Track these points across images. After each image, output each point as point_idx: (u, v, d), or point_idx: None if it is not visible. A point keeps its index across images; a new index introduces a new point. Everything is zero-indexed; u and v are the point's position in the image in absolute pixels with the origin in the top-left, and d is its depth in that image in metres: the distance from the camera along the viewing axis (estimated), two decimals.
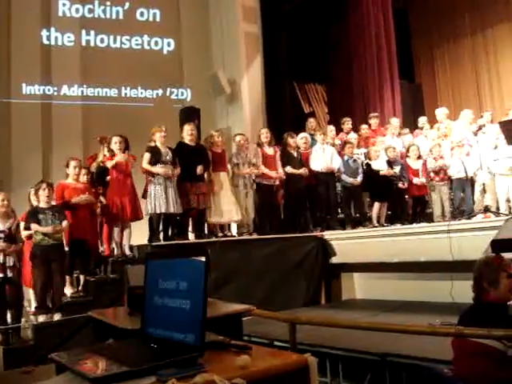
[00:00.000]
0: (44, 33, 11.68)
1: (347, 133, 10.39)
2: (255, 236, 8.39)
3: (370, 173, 9.10)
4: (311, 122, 10.35)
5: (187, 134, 8.12)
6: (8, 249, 6.49)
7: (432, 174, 8.98)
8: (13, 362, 5.34)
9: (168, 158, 7.68)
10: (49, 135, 11.19)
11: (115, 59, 12.09)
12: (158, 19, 12.86)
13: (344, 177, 9.10)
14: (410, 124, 11.52)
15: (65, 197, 6.99)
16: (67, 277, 6.95)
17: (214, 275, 6.75)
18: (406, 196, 9.39)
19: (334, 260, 8.27)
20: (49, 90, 11.58)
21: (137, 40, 12.60)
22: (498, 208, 8.40)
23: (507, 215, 7.47)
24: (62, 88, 11.69)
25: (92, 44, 12.17)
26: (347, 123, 10.55)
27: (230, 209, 8.28)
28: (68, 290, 6.95)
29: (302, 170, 8.90)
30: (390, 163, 9.14)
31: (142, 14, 12.69)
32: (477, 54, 13.86)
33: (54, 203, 6.77)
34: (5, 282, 6.35)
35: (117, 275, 6.78)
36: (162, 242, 7.57)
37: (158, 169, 7.56)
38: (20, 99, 11.23)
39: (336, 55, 14.79)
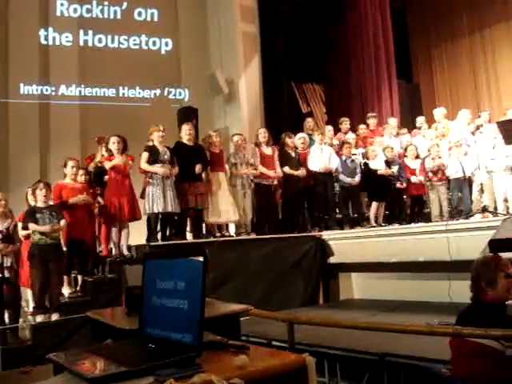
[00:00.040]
0: (42, 33, 11.68)
1: (345, 133, 10.40)
2: (253, 236, 8.39)
3: (367, 173, 9.11)
4: (309, 121, 10.34)
5: (185, 133, 8.12)
6: (6, 249, 6.50)
7: (430, 174, 8.99)
8: (11, 362, 5.34)
9: (166, 157, 7.68)
10: (47, 135, 11.19)
11: (113, 59, 12.09)
12: (155, 19, 12.86)
13: (342, 177, 9.10)
14: (408, 124, 11.53)
15: (62, 197, 6.98)
16: (65, 277, 6.94)
17: (212, 275, 6.75)
18: (404, 196, 9.40)
19: (332, 260, 8.27)
20: (47, 90, 11.58)
21: (135, 40, 12.60)
22: (495, 208, 8.41)
23: (505, 215, 7.48)
24: (60, 88, 11.69)
25: (90, 44, 12.18)
26: (345, 123, 10.55)
27: (227, 209, 8.28)
28: (66, 290, 6.94)
29: (300, 172, 8.89)
30: (388, 163, 9.15)
31: (139, 14, 12.70)
32: (475, 54, 13.87)
33: (51, 203, 6.76)
34: (2, 282, 6.34)
35: (115, 275, 6.78)
36: (160, 242, 7.56)
37: (157, 168, 7.56)
38: (18, 99, 11.23)
39: (334, 55, 14.80)
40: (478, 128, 9.47)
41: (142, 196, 7.75)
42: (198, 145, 8.43)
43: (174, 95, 12.84)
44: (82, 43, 12.06)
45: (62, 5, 11.90)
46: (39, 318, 6.22)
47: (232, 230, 8.73)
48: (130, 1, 12.56)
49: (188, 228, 8.33)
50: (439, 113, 10.42)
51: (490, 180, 8.64)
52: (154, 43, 12.80)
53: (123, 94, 12.35)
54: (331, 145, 9.63)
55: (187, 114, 10.37)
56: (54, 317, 6.25)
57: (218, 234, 8.30)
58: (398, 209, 9.24)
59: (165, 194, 7.52)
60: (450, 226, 7.09)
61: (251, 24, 12.57)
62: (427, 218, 8.93)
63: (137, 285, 2.25)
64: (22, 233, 6.73)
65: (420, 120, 10.86)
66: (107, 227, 7.66)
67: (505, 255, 3.28)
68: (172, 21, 12.91)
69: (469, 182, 9.00)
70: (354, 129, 10.59)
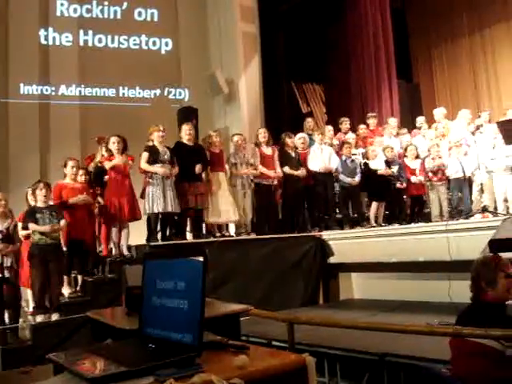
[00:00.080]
0: (42, 33, 11.68)
1: (345, 133, 10.39)
2: (253, 236, 8.39)
3: (367, 173, 9.11)
4: (309, 121, 10.34)
5: (185, 133, 8.12)
6: (6, 249, 6.50)
7: (430, 174, 8.99)
8: (11, 362, 5.34)
9: (166, 157, 7.68)
10: (47, 135, 11.19)
11: (113, 59, 12.10)
12: (155, 19, 12.86)
13: (342, 177, 9.10)
14: (408, 124, 11.53)
15: (62, 197, 6.98)
16: (65, 277, 6.95)
17: (212, 275, 6.75)
18: (404, 196, 9.40)
19: (332, 260, 8.27)
20: (47, 90, 11.58)
21: (135, 40, 12.60)
22: (495, 208, 8.41)
23: (505, 215, 7.48)
24: (60, 88, 11.70)
25: (90, 44, 12.18)
26: (345, 123, 10.55)
27: (227, 209, 8.28)
28: (66, 290, 6.94)
29: (300, 172, 8.89)
30: (388, 163, 9.15)
31: (139, 14, 12.70)
32: (475, 54, 13.87)
33: (51, 203, 6.76)
34: (2, 282, 6.34)
35: (115, 275, 6.78)
36: (160, 242, 7.56)
37: (157, 168, 7.56)
38: (18, 99, 11.23)
39: (334, 55, 14.80)
40: (477, 128, 9.47)
41: (142, 196, 7.75)
42: (198, 145, 8.43)
43: (174, 95, 12.84)
44: (82, 43, 12.07)
45: (62, 5, 11.90)
46: (39, 318, 6.22)
47: (232, 230, 8.73)
48: (130, 1, 12.56)
49: (188, 228, 8.33)
50: (439, 113, 10.42)
51: (489, 180, 8.64)
52: (154, 43, 12.80)
53: (123, 93, 12.36)
54: (331, 145, 9.63)
55: (187, 114, 10.37)
56: (54, 317, 6.25)
57: (218, 234, 8.31)
58: (398, 209, 9.24)
59: (165, 194, 7.52)
60: (450, 226, 7.09)
61: (251, 24, 12.57)
62: (427, 218, 8.93)
63: (137, 285, 2.25)
64: (21, 233, 6.73)
65: (420, 120, 10.86)
66: (107, 227, 7.66)
67: (505, 255, 3.28)
68: (172, 21, 12.91)
69: (469, 182, 9.00)
70: (354, 129, 10.59)
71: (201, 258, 1.76)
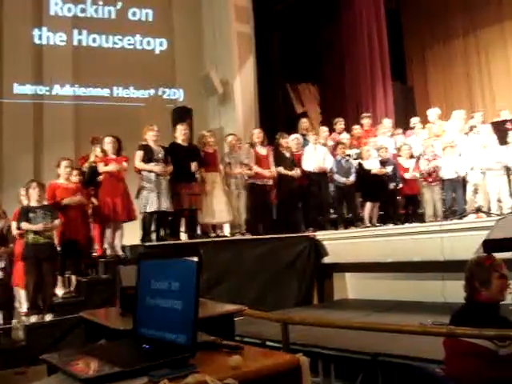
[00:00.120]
0: (36, 32, 11.66)
1: (339, 133, 10.40)
2: (247, 236, 8.39)
3: (362, 173, 9.11)
4: (304, 122, 10.33)
5: (180, 134, 8.12)
6: None
7: (425, 175, 9.01)
8: (4, 362, 5.32)
9: (160, 156, 7.68)
10: (40, 135, 11.16)
11: (107, 59, 12.08)
12: (150, 19, 12.86)
13: (337, 177, 9.10)
14: (402, 125, 11.53)
15: (56, 197, 6.96)
16: (59, 277, 6.93)
17: (207, 275, 6.75)
18: (399, 197, 9.41)
19: (326, 260, 8.28)
20: (40, 90, 11.56)
21: (129, 40, 12.59)
22: (489, 208, 8.43)
23: (499, 215, 7.50)
24: (54, 88, 11.68)
25: (84, 44, 12.16)
26: (339, 123, 10.55)
27: (221, 209, 8.28)
28: (60, 291, 6.93)
29: (294, 172, 8.90)
30: (383, 163, 9.16)
31: (134, 14, 12.69)
32: (469, 55, 13.91)
33: (45, 203, 6.74)
34: None
35: (109, 276, 6.77)
36: (155, 243, 7.55)
37: (153, 167, 7.56)
38: (11, 99, 11.20)
39: (329, 55, 14.82)
40: (471, 129, 9.49)
41: (138, 196, 7.74)
42: (193, 145, 8.42)
43: (169, 95, 12.83)
44: (76, 43, 12.05)
45: (56, 4, 11.88)
46: (33, 319, 6.20)
47: (226, 230, 8.73)
48: (124, 1, 12.56)
49: (183, 228, 8.32)
50: (433, 113, 10.43)
51: (483, 180, 8.66)
52: (149, 43, 12.79)
53: (117, 93, 12.34)
54: (325, 145, 9.63)
55: (182, 114, 10.35)
56: (48, 317, 6.23)
57: (212, 235, 8.30)
58: (392, 209, 9.25)
59: (159, 194, 7.52)
60: (444, 227, 7.11)
61: (246, 24, 12.57)
62: (421, 219, 8.94)
63: (131, 285, 2.25)
64: (15, 232, 6.71)
65: (414, 121, 10.87)
66: (101, 227, 7.65)
67: (499, 255, 3.29)
68: (167, 21, 12.90)
69: (463, 182, 9.02)
70: (348, 129, 10.59)
71: (195, 259, 1.76)
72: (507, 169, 8.42)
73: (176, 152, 7.96)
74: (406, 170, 9.27)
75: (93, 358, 1.72)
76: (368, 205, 9.01)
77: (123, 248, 7.49)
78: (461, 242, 6.51)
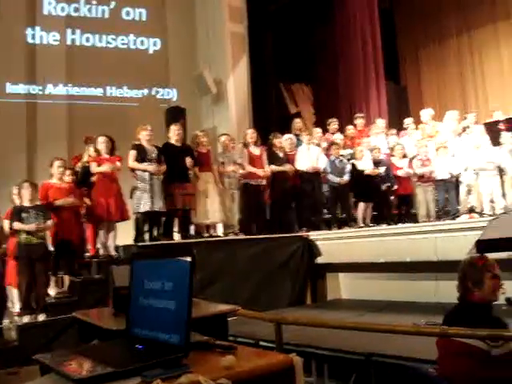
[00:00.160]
0: (29, 31, 11.63)
1: (333, 133, 10.40)
2: (241, 236, 8.39)
3: (355, 173, 9.12)
4: (297, 122, 10.33)
5: (174, 134, 8.13)
6: None
7: (418, 174, 9.05)
8: None
9: (153, 155, 7.68)
10: (33, 135, 11.13)
11: (101, 58, 12.05)
12: (143, 18, 12.84)
13: (331, 177, 9.10)
14: (396, 125, 11.55)
15: (49, 197, 6.94)
16: (52, 277, 6.91)
17: (200, 275, 6.75)
18: (392, 197, 9.43)
19: (319, 260, 8.27)
20: (33, 90, 11.53)
21: (122, 39, 12.57)
22: (482, 209, 8.46)
23: (491, 215, 7.53)
24: (47, 87, 11.64)
25: (77, 43, 12.13)
26: (333, 124, 10.55)
27: (215, 209, 8.28)
28: (52, 291, 6.91)
29: (288, 167, 8.90)
30: (376, 164, 9.17)
31: (127, 14, 12.67)
32: (462, 55, 13.95)
33: (38, 203, 6.71)
34: None
35: (102, 276, 6.76)
36: (148, 243, 7.55)
37: (147, 166, 7.56)
38: (4, 98, 11.17)
39: (322, 55, 14.83)
40: (464, 129, 9.52)
41: (131, 196, 7.74)
42: (187, 145, 8.43)
43: (162, 95, 12.82)
44: (69, 42, 12.01)
45: (49, 3, 11.84)
46: (26, 319, 6.18)
47: (220, 230, 8.73)
48: (117, 0, 12.53)
49: (176, 228, 8.31)
50: (426, 114, 10.45)
51: (476, 181, 8.68)
52: (142, 43, 12.77)
53: (111, 93, 12.32)
54: (318, 145, 9.63)
55: (175, 114, 10.36)
56: (41, 317, 6.22)
57: (205, 235, 8.30)
58: (385, 209, 9.26)
59: (152, 194, 7.52)
60: (437, 227, 7.13)
61: (239, 24, 12.57)
62: (414, 219, 8.96)
63: (124, 285, 2.25)
64: (7, 231, 6.69)
65: (407, 121, 10.89)
66: (94, 228, 7.63)
67: (491, 255, 3.30)
68: (160, 20, 12.89)
69: (456, 183, 9.04)
70: (342, 129, 10.60)
71: (188, 259, 1.76)
72: (500, 169, 8.45)
73: (169, 152, 7.96)
74: (399, 168, 9.30)
75: (86, 359, 1.72)
76: (361, 205, 9.03)
77: (116, 248, 7.48)
78: (454, 242, 6.53)
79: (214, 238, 8.20)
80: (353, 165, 9.21)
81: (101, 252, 7.46)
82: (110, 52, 12.35)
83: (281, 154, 9.03)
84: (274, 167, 8.85)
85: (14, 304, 6.93)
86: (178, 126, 8.32)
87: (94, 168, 7.44)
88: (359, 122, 10.82)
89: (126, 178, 7.81)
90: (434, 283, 6.74)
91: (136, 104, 12.34)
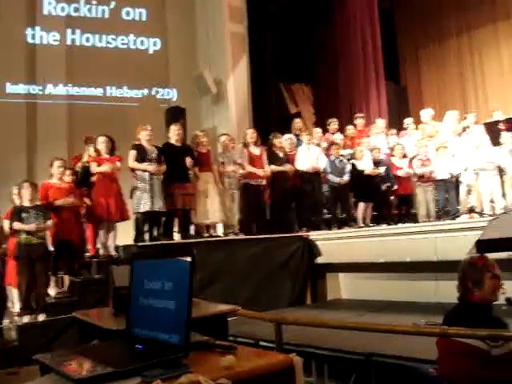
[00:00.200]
0: (29, 31, 11.62)
1: (333, 133, 10.40)
2: (241, 236, 8.39)
3: (355, 173, 9.11)
4: (297, 122, 10.33)
5: (174, 134, 8.12)
6: None
7: (418, 174, 9.05)
8: None
9: (153, 156, 7.68)
10: (33, 135, 11.13)
11: (101, 58, 12.05)
12: (143, 18, 12.84)
13: (331, 176, 9.10)
14: (396, 125, 11.55)
15: (49, 197, 6.93)
16: (52, 277, 6.91)
17: (200, 275, 6.75)
18: (392, 197, 9.43)
19: (319, 260, 8.27)
20: (33, 90, 11.52)
21: (122, 39, 12.56)
22: (482, 209, 8.46)
23: (491, 215, 7.53)
24: (47, 87, 11.64)
25: (77, 43, 12.13)
26: (333, 124, 10.55)
27: (214, 209, 8.28)
28: (53, 291, 6.91)
29: (288, 167, 8.91)
30: (376, 164, 9.17)
31: (127, 14, 12.67)
32: (462, 55, 13.95)
33: (38, 203, 6.71)
34: None
35: (102, 276, 6.76)
36: (148, 243, 7.55)
37: (147, 166, 7.56)
38: (4, 98, 11.16)
39: (322, 55, 14.83)
40: (464, 129, 9.51)
41: (131, 196, 7.73)
42: (187, 145, 8.43)
43: (162, 95, 12.82)
44: (69, 42, 12.01)
45: (49, 3, 11.84)
46: (26, 319, 6.18)
47: (220, 230, 8.72)
48: (117, 0, 12.53)
49: (176, 228, 8.31)
50: (426, 114, 10.44)
51: (476, 181, 8.68)
52: (142, 43, 12.77)
53: (111, 93, 12.32)
54: (318, 145, 9.63)
55: (175, 114, 10.36)
56: (41, 317, 6.22)
57: (205, 235, 8.30)
58: (385, 209, 9.26)
59: (152, 194, 7.52)
60: (437, 227, 7.12)
61: (239, 24, 12.57)
62: (414, 219, 8.96)
63: (124, 285, 2.25)
64: (7, 231, 6.69)
65: (407, 121, 10.89)
66: (94, 227, 7.63)
67: (491, 255, 3.30)
68: (160, 20, 12.89)
69: (456, 183, 9.04)
70: (342, 129, 10.60)
71: (188, 259, 1.76)
72: (500, 169, 8.45)
73: (169, 152, 7.96)
74: (399, 168, 9.30)
75: (86, 359, 1.71)
76: (361, 205, 9.03)
77: (116, 248, 7.48)
78: (454, 242, 6.53)
79: (213, 238, 8.20)
80: (353, 165, 9.21)
81: (101, 252, 7.46)
82: (109, 52, 12.35)
83: (281, 154, 9.03)
84: (273, 167, 8.85)
85: (14, 304, 6.93)
86: (178, 126, 8.32)
87: (93, 168, 7.44)
88: (359, 121, 10.82)
89: (126, 177, 7.81)
90: (433, 283, 6.74)
91: (136, 104, 12.34)
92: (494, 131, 8.17)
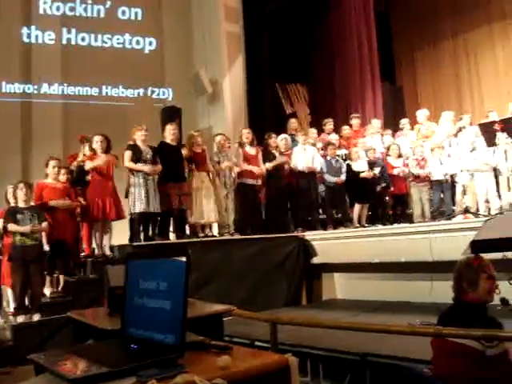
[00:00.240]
0: (24, 31, 11.60)
1: (329, 133, 10.41)
2: (236, 236, 8.38)
3: (351, 174, 9.12)
4: (293, 122, 10.33)
5: (169, 134, 8.11)
6: None
7: (414, 174, 9.06)
8: None
9: (148, 156, 7.66)
10: (29, 134, 11.10)
11: (96, 58, 12.03)
12: (139, 18, 12.82)
13: (327, 176, 9.10)
14: (391, 125, 11.57)
15: (43, 197, 6.92)
16: (47, 277, 6.90)
17: (195, 275, 6.73)
18: (387, 198, 9.45)
19: (315, 260, 8.28)
20: (29, 89, 11.50)
21: (118, 39, 12.54)
22: (477, 209, 8.48)
23: (486, 216, 7.54)
24: (43, 86, 11.62)
25: (73, 42, 12.11)
26: (329, 124, 10.56)
27: (210, 209, 8.28)
28: (47, 291, 6.90)
29: (285, 159, 8.91)
30: (371, 164, 9.18)
31: (123, 13, 12.64)
32: (457, 57, 13.98)
33: (33, 204, 6.70)
34: None
35: (97, 275, 6.75)
36: (143, 243, 7.54)
37: (143, 166, 7.55)
38: None
39: (318, 56, 14.82)
40: (460, 130, 9.53)
41: (127, 195, 7.72)
42: (182, 145, 8.42)
43: (158, 95, 12.81)
44: (64, 42, 11.99)
45: (44, 3, 11.82)
46: (20, 319, 6.17)
47: (215, 230, 8.72)
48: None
49: (172, 228, 8.30)
50: (422, 114, 10.46)
51: (471, 181, 8.70)
52: (138, 42, 12.75)
53: (106, 93, 12.30)
54: (314, 145, 9.63)
55: (171, 114, 10.35)
56: (36, 317, 6.20)
57: (201, 234, 8.29)
58: (380, 209, 9.28)
59: (147, 194, 7.50)
60: (432, 227, 7.13)
61: (235, 24, 12.58)
62: (410, 219, 8.97)
63: (119, 285, 2.24)
64: (1, 231, 6.68)
65: (403, 122, 10.90)
66: (89, 227, 7.62)
67: (487, 256, 3.31)
68: (156, 20, 12.87)
69: (451, 183, 9.06)
70: (337, 130, 10.60)
71: (184, 259, 1.75)
72: (495, 170, 8.47)
73: (165, 151, 7.94)
74: (395, 167, 9.32)
75: (80, 358, 1.71)
76: (357, 206, 9.04)
77: (111, 248, 7.47)
78: (449, 242, 6.54)
79: (209, 238, 8.19)
80: (348, 166, 9.21)
81: (96, 252, 7.45)
82: (105, 51, 12.33)
83: (277, 154, 9.03)
84: (268, 165, 8.83)
85: (9, 304, 6.92)
86: (174, 126, 8.31)
87: (87, 165, 7.42)
88: (355, 122, 10.82)
89: (122, 177, 7.80)
90: (429, 283, 6.75)
91: (132, 104, 12.33)
92: (489, 132, 8.18)
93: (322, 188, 9.43)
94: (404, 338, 4.02)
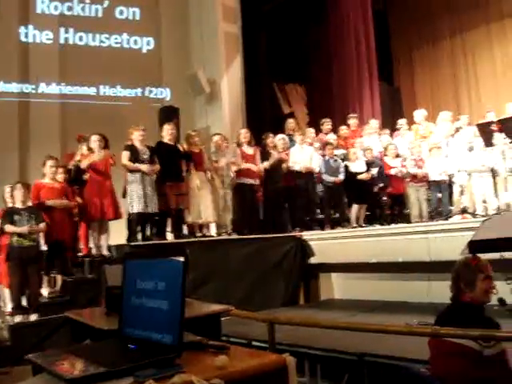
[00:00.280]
0: (22, 30, 11.60)
1: (326, 133, 10.41)
2: (234, 236, 8.38)
3: (348, 174, 9.12)
4: (290, 122, 10.33)
5: (167, 133, 8.11)
6: None
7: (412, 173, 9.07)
8: None
9: (146, 156, 7.66)
10: (26, 133, 11.10)
11: (94, 57, 12.02)
12: (137, 18, 12.82)
13: (325, 176, 9.10)
14: (389, 125, 11.57)
15: (41, 196, 6.91)
16: (44, 277, 6.89)
17: (193, 275, 6.74)
18: (384, 198, 9.44)
19: (312, 260, 8.26)
20: (26, 88, 11.50)
21: (116, 38, 12.54)
22: (475, 209, 8.49)
23: (484, 216, 7.55)
24: (40, 86, 11.61)
25: (71, 42, 12.10)
26: (326, 124, 10.56)
27: (207, 209, 8.28)
28: (45, 290, 6.89)
29: (279, 155, 8.91)
30: (369, 165, 9.18)
31: (121, 13, 12.64)
32: (455, 56, 14.00)
33: (30, 204, 6.69)
34: None
35: (94, 275, 6.74)
36: (141, 242, 7.54)
37: (142, 166, 7.54)
38: None
39: (316, 56, 14.84)
40: (457, 130, 9.54)
41: (124, 195, 7.72)
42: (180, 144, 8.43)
43: (155, 94, 12.80)
44: (62, 41, 11.99)
45: (42, 2, 11.82)
46: (18, 319, 6.17)
47: (213, 230, 8.72)
48: None
49: (169, 228, 8.30)
50: (419, 114, 10.46)
51: (469, 182, 8.71)
52: (136, 42, 12.75)
53: (104, 92, 12.29)
54: (311, 145, 9.63)
55: (168, 114, 10.35)
56: (33, 317, 6.20)
57: (198, 234, 8.29)
58: (378, 210, 9.28)
59: (145, 194, 7.50)
60: (430, 227, 7.13)
61: (233, 24, 12.58)
62: (407, 219, 8.98)
63: (117, 285, 2.24)
64: None
65: (401, 122, 10.91)
66: (87, 227, 7.61)
67: (484, 256, 3.31)
68: (154, 20, 12.87)
69: (449, 183, 9.07)
70: (335, 130, 10.61)
71: (181, 258, 1.76)
72: (492, 170, 8.48)
73: (162, 151, 7.94)
74: (393, 167, 9.31)
75: (78, 358, 1.71)
76: (355, 206, 9.04)
77: (109, 247, 7.47)
78: (447, 242, 6.53)
79: (206, 238, 8.20)
80: (346, 166, 9.21)
81: (93, 251, 7.44)
82: (103, 51, 12.32)
83: (275, 154, 9.03)
84: (266, 163, 8.81)
85: (6, 304, 6.91)
86: (172, 126, 8.32)
87: (84, 163, 7.41)
88: (352, 122, 10.82)
89: (119, 177, 7.80)
90: (426, 283, 6.74)
91: (129, 103, 12.32)
92: (486, 132, 8.19)
93: (320, 188, 9.42)
94: (401, 338, 4.02)
